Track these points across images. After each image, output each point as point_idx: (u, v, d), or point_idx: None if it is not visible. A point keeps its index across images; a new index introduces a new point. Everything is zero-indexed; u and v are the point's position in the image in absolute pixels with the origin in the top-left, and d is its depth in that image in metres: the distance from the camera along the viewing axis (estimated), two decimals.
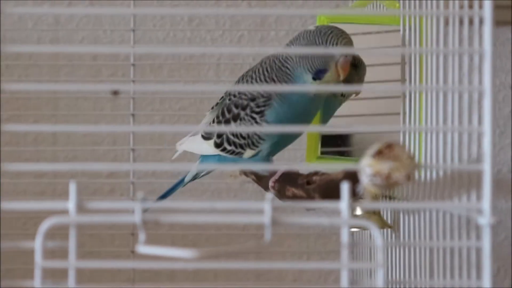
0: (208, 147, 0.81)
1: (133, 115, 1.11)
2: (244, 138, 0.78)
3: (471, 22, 0.54)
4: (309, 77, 0.73)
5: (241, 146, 0.78)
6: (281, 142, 0.78)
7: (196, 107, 1.19)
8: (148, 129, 1.02)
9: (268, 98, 0.76)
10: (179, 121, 1.19)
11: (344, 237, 0.48)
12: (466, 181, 0.54)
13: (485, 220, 0.48)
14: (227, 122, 0.78)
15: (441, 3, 0.59)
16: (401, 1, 0.75)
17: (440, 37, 0.59)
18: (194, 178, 0.88)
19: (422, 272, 0.62)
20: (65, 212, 0.48)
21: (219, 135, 0.79)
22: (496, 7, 1.18)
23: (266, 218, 0.47)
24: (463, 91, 0.54)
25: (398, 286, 0.66)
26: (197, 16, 1.19)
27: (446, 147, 0.58)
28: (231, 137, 0.78)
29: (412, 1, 0.70)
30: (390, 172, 0.47)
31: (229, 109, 0.78)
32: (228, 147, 0.79)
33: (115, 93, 0.47)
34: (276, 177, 0.75)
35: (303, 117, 0.75)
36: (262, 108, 0.76)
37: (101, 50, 1.03)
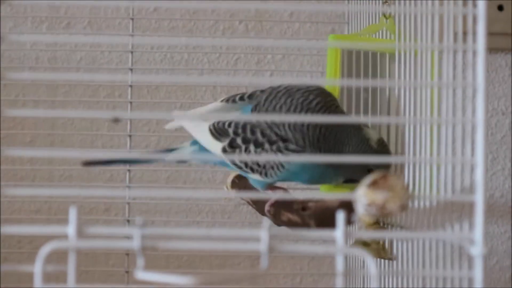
0: (214, 145, 0.77)
1: (130, 136, 1.12)
2: (259, 166, 0.75)
3: (465, 52, 0.55)
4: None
5: (251, 169, 0.75)
6: (290, 180, 0.76)
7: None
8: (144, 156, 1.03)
9: (301, 149, 0.72)
10: (176, 142, 1.20)
11: (339, 265, 0.48)
12: (459, 210, 0.55)
13: (477, 250, 0.49)
14: (245, 140, 0.75)
15: (435, 33, 0.61)
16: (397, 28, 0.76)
17: (434, 69, 0.60)
18: (181, 162, 0.85)
19: None
20: (62, 236, 0.49)
21: (232, 145, 0.75)
22: (489, 34, 1.20)
23: (263, 246, 0.48)
24: (456, 123, 0.55)
25: None
26: (194, 40, 1.21)
27: (440, 176, 0.59)
28: (245, 155, 0.75)
29: (408, 30, 0.71)
30: (384, 202, 0.48)
31: (253, 131, 0.74)
32: (238, 162, 0.76)
33: (116, 120, 0.48)
34: (272, 201, 0.75)
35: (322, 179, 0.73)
36: (290, 153, 0.72)
37: (99, 77, 1.04)
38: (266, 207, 0.75)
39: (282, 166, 0.73)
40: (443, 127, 0.58)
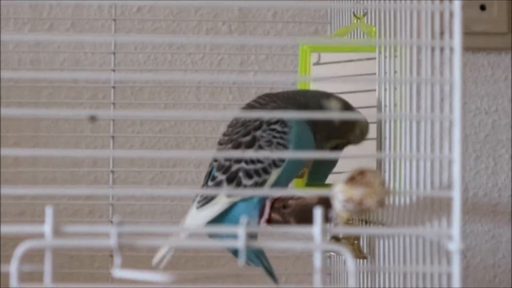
0: (215, 209, 0.72)
1: (113, 137, 1.12)
2: (262, 162, 0.73)
3: (442, 49, 0.55)
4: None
5: (265, 170, 0.73)
6: (304, 145, 0.74)
7: (177, 129, 1.19)
8: (128, 154, 1.03)
9: (284, 106, 0.74)
10: (159, 143, 1.20)
11: (317, 261, 0.48)
12: (437, 207, 0.55)
13: (454, 246, 0.49)
14: (239, 159, 0.73)
15: (414, 31, 0.61)
16: (377, 28, 0.76)
17: (413, 66, 0.60)
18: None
19: None
20: (42, 235, 0.49)
21: (231, 179, 0.73)
22: (471, 34, 1.20)
23: (240, 243, 0.48)
24: (435, 119, 0.55)
25: None
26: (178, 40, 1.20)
27: (419, 173, 0.59)
28: (251, 166, 0.73)
29: (388, 29, 0.71)
30: (362, 198, 0.48)
31: (237, 144, 0.74)
32: (249, 182, 0.73)
33: (93, 118, 0.48)
34: (266, 217, 0.73)
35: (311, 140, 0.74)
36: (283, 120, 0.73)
37: (81, 76, 1.03)
38: (262, 224, 0.73)
39: (285, 130, 0.73)
40: (421, 124, 0.58)
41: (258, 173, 0.73)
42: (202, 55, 1.20)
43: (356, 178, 0.49)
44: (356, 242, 0.73)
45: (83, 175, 1.17)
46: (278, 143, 0.73)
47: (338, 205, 0.49)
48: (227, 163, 0.74)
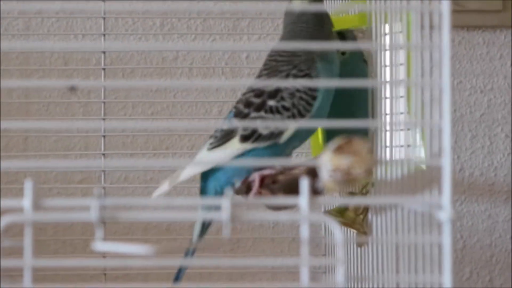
0: (227, 153, 0.71)
1: (104, 119, 1.11)
2: (287, 109, 0.71)
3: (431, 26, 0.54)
4: None
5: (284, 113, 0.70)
6: (326, 108, 0.72)
7: (169, 112, 1.18)
8: (120, 125, 1.02)
9: (310, 60, 0.71)
10: (152, 127, 1.19)
11: (304, 233, 0.47)
12: (429, 178, 0.53)
13: (445, 215, 0.48)
14: (259, 106, 0.71)
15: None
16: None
17: (403, 32, 0.59)
18: (205, 228, 0.66)
19: (389, 269, 0.62)
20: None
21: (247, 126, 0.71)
22: (466, 12, 1.19)
23: (224, 215, 0.47)
24: (424, 87, 0.54)
25: (366, 283, 0.66)
26: (169, 21, 1.19)
27: (410, 142, 0.58)
28: (270, 115, 0.70)
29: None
30: (349, 167, 0.47)
31: (259, 93, 0.71)
32: (264, 132, 0.70)
33: (72, 89, 0.46)
34: (256, 187, 0.71)
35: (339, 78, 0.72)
36: (307, 71, 0.71)
37: (71, 46, 1.01)
38: (254, 190, 0.71)
39: (313, 89, 0.70)
40: (412, 91, 0.57)
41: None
42: (194, 37, 1.19)
43: (343, 147, 0.48)
44: (361, 216, 0.72)
45: (74, 158, 1.16)
46: (301, 98, 0.71)
47: (325, 175, 0.48)
48: (246, 110, 0.72)
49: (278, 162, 0.67)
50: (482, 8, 1.17)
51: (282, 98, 0.71)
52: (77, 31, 1.16)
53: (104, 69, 1.10)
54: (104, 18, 1.11)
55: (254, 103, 0.72)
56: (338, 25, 0.79)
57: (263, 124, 0.70)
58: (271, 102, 0.71)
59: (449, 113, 0.49)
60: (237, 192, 0.74)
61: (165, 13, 1.17)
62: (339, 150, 0.48)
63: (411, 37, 0.59)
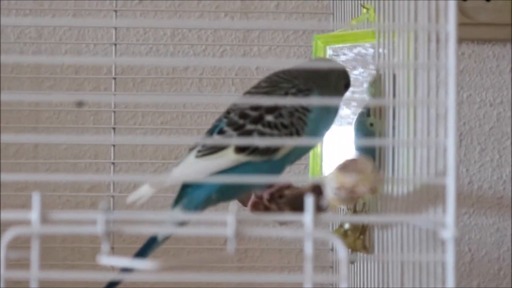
0: (219, 162, 0.68)
1: (114, 128, 1.11)
2: (286, 127, 0.70)
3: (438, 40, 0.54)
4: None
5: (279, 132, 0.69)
6: (320, 130, 0.71)
7: (178, 122, 1.19)
8: (129, 140, 1.02)
9: (308, 88, 0.71)
10: (161, 135, 1.19)
11: (308, 249, 0.48)
12: (433, 196, 0.54)
13: (448, 233, 0.48)
14: (256, 119, 0.69)
15: (411, 18, 0.60)
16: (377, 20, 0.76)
17: (410, 53, 0.60)
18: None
19: (394, 284, 0.62)
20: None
21: (244, 135, 0.69)
22: (476, 25, 1.18)
23: (229, 231, 0.47)
24: (430, 105, 0.54)
25: None
26: (180, 31, 1.20)
27: (416, 161, 0.58)
28: (267, 130, 0.69)
29: (387, 15, 0.71)
30: (354, 185, 0.48)
31: (256, 107, 0.70)
32: (261, 147, 0.68)
33: (80, 104, 0.47)
34: (269, 191, 0.71)
35: (333, 115, 0.72)
36: (307, 93, 0.71)
37: (82, 60, 1.03)
38: (266, 195, 0.71)
39: (307, 110, 0.70)
40: (418, 110, 0.57)
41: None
42: (205, 47, 1.20)
43: (348, 165, 0.48)
44: (362, 236, 0.72)
45: (84, 167, 1.16)
46: (300, 118, 0.70)
47: (330, 193, 0.49)
48: (241, 121, 0.70)
49: (281, 180, 0.67)
50: (493, 21, 1.17)
51: (281, 115, 0.70)
52: (89, 40, 1.17)
53: (114, 78, 1.11)
54: (115, 28, 1.12)
55: (250, 115, 0.70)
56: (352, 40, 0.79)
57: (262, 142, 0.68)
58: (269, 117, 0.70)
59: (454, 131, 0.49)
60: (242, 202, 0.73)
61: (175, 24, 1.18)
62: (344, 168, 0.48)
63: (417, 55, 0.59)
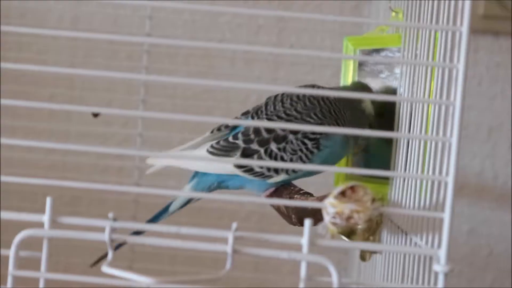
0: (221, 165, 0.74)
1: (143, 100, 1.14)
2: (285, 161, 0.72)
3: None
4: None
5: (276, 170, 0.73)
6: (325, 163, 0.73)
7: (208, 96, 1.20)
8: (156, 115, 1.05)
9: (321, 121, 0.72)
10: (191, 108, 1.20)
11: (303, 272, 0.50)
12: (432, 223, 0.55)
13: (440, 268, 0.50)
14: (263, 142, 0.72)
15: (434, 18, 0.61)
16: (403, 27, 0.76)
17: (430, 52, 0.60)
18: (186, 203, 0.79)
19: None
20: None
21: (247, 154, 0.72)
22: (497, 18, 1.15)
23: (228, 248, 0.49)
24: (433, 141, 0.55)
25: None
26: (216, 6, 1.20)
27: (416, 187, 0.59)
28: (266, 158, 0.72)
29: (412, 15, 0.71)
30: (350, 214, 0.49)
31: (269, 129, 0.72)
32: (258, 169, 0.73)
33: (95, 115, 0.49)
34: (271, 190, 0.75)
35: (344, 151, 0.74)
36: (318, 136, 0.72)
37: (116, 38, 1.04)
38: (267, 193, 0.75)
39: (318, 149, 0.72)
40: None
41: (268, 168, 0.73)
42: (239, 24, 1.20)
43: (346, 193, 0.49)
44: (371, 238, 0.73)
45: (111, 135, 1.19)
46: (301, 158, 0.72)
47: (327, 218, 0.50)
48: (252, 136, 0.73)
49: (279, 202, 0.69)
50: None
51: (284, 150, 0.72)
52: (124, 12, 1.18)
53: (148, 51, 1.13)
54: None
55: (261, 135, 0.73)
56: (380, 43, 0.79)
57: (258, 163, 0.72)
58: (273, 146, 0.72)
59: (455, 168, 0.50)
60: None
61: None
62: (342, 195, 0.49)
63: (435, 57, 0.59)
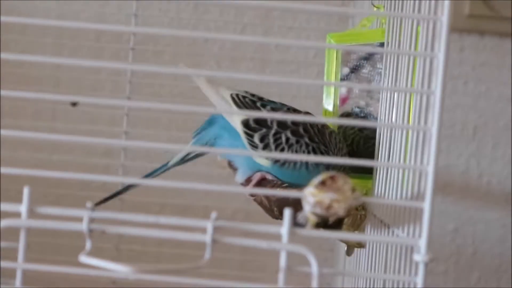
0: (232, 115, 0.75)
1: (129, 98, 1.13)
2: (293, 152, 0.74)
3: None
4: None
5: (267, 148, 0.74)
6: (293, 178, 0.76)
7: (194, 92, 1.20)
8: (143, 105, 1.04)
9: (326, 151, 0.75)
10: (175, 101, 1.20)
11: (282, 261, 0.49)
12: (413, 212, 0.55)
13: (420, 257, 0.50)
14: (282, 125, 0.74)
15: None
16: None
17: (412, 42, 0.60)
18: (184, 158, 0.82)
19: None
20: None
21: (260, 124, 0.74)
22: (500, 18, 1.17)
23: (207, 237, 0.49)
24: (413, 130, 0.55)
25: None
26: (202, 4, 1.20)
27: (398, 180, 0.59)
28: (272, 139, 0.74)
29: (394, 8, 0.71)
30: (330, 203, 0.49)
31: (296, 123, 0.74)
32: (257, 141, 0.74)
33: (74, 104, 0.49)
34: (254, 182, 0.76)
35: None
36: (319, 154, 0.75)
37: (102, 27, 1.04)
38: (250, 186, 0.75)
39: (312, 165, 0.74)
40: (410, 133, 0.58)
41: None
42: (225, 23, 1.20)
43: (326, 182, 0.49)
44: (357, 231, 0.73)
45: (99, 133, 1.18)
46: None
47: (307, 207, 0.50)
48: (264, 130, 0.74)
49: (262, 192, 0.69)
50: None
51: (291, 144, 0.75)
52: (110, 10, 1.18)
53: (133, 49, 1.12)
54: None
55: (286, 123, 0.74)
56: (363, 39, 0.80)
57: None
58: (288, 134, 0.74)
59: (435, 157, 0.50)
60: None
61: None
62: (322, 185, 0.49)
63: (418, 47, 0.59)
